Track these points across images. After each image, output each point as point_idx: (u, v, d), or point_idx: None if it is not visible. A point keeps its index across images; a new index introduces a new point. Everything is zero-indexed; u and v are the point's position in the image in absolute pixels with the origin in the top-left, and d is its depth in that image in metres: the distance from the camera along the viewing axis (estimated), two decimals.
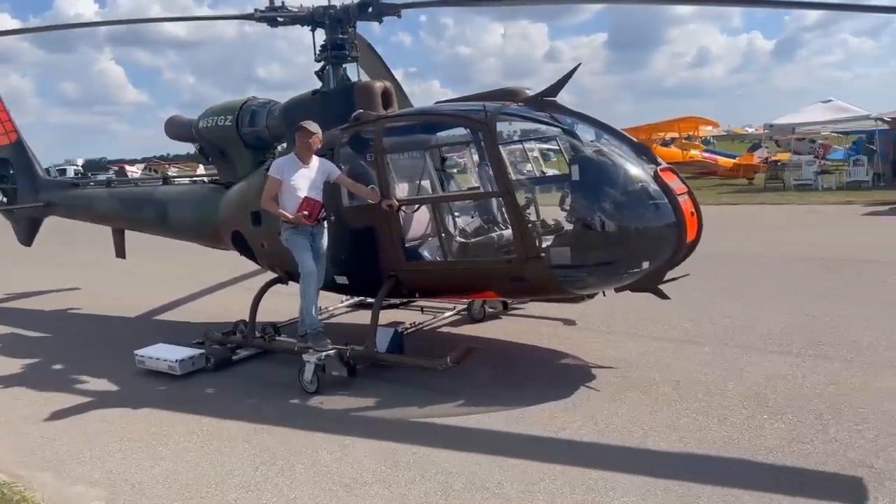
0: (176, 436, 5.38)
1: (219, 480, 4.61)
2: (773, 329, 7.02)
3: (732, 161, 26.67)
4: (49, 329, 9.17)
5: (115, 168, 46.22)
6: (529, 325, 7.66)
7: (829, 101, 24.99)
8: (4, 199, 11.54)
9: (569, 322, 7.58)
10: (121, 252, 10.51)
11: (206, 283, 10.87)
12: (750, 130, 34.39)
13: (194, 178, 10.05)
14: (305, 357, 6.10)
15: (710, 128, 31.96)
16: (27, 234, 11.60)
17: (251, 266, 8.59)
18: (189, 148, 10.09)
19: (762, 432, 4.74)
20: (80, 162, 49.41)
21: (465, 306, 7.99)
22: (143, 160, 58.43)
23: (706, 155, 27.36)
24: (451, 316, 7.97)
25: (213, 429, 5.48)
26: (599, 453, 4.62)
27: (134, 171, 39.51)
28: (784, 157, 25.87)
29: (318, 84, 7.45)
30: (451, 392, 5.80)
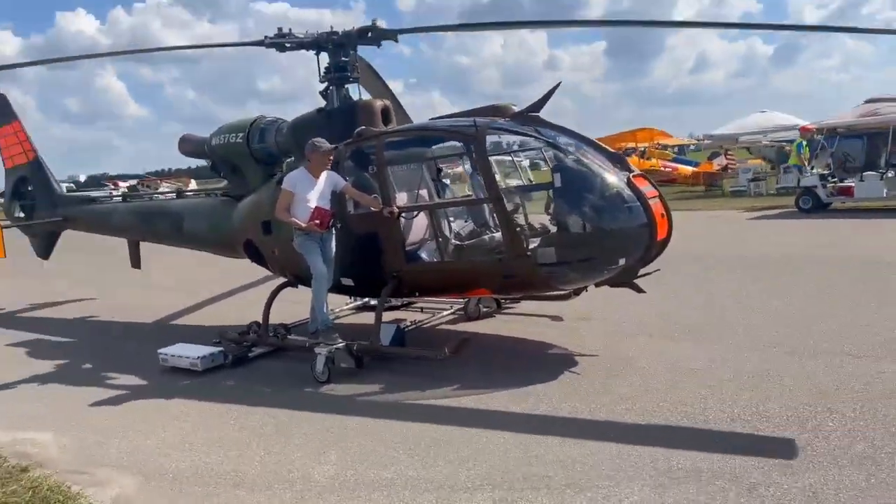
0: (209, 422, 6.00)
1: (255, 458, 5.23)
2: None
3: (691, 169, 28.13)
4: (73, 335, 9.78)
5: (109, 184, 46.83)
6: (521, 321, 8.32)
7: (764, 111, 27.08)
8: (23, 215, 12.17)
9: (556, 318, 8.24)
10: (136, 262, 11.13)
11: (215, 291, 11.47)
12: (697, 140, 35.47)
13: (208, 192, 10.66)
14: (317, 350, 6.74)
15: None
16: (45, 248, 12.21)
17: (261, 273, 9.21)
18: (182, 164, 10.73)
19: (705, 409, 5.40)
20: (82, 178, 49.99)
21: (461, 306, 8.65)
22: (139, 175, 59.73)
23: (667, 164, 28.80)
24: (448, 315, 8.62)
25: (240, 413, 6.10)
26: (583, 426, 5.26)
27: (125, 187, 40.16)
28: (756, 162, 27.25)
29: (322, 102, 8.13)
30: (449, 379, 6.44)
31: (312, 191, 6.83)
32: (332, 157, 6.93)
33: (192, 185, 40.36)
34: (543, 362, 6.83)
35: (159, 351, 7.60)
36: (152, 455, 5.34)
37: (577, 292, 7.45)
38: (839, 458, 4.38)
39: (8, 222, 11.88)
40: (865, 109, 19.63)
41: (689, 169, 28.28)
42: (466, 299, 8.44)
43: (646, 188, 6.39)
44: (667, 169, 28.03)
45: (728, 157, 27.85)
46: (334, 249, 7.03)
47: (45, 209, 11.73)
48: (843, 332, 7.02)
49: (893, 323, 7.23)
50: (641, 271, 6.54)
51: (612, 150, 6.74)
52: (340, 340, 6.79)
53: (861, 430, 4.78)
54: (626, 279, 6.54)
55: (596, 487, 4.28)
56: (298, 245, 6.92)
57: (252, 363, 7.60)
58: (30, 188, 12.00)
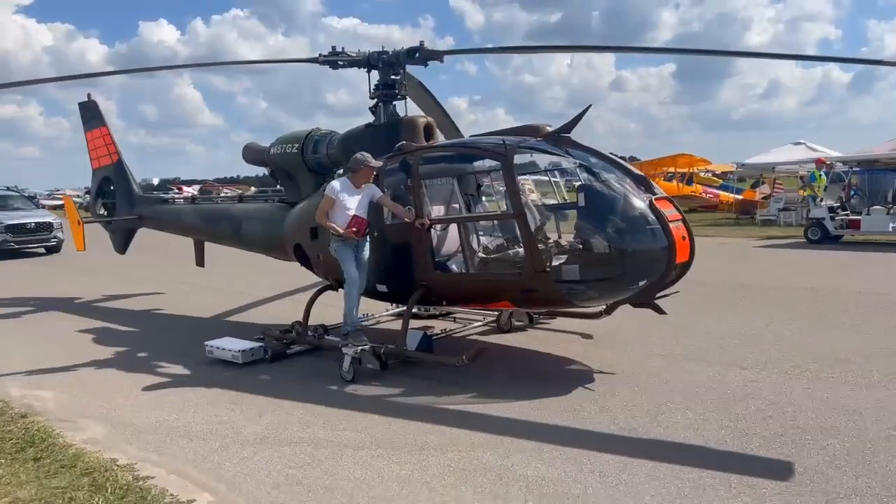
0: (206, 397, 6.62)
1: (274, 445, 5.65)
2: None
3: (734, 197, 28.52)
4: (136, 324, 10.56)
5: (174, 188, 49.39)
6: (550, 336, 8.49)
7: (800, 143, 26.96)
8: (105, 212, 13.17)
9: (586, 336, 8.37)
10: (200, 261, 11.89)
11: (274, 291, 12.11)
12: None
13: (266, 198, 11.29)
14: (344, 350, 7.14)
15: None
16: (122, 243, 13.18)
17: (314, 278, 9.70)
18: (251, 172, 11.36)
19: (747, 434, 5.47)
20: (155, 181, 52.90)
21: (493, 318, 8.91)
22: (214, 181, 63.76)
23: (709, 190, 29.30)
24: (479, 326, 8.89)
25: (239, 397, 6.69)
26: (595, 438, 5.43)
27: (190, 192, 42.13)
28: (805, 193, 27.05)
29: (372, 118, 8.59)
30: (463, 385, 6.73)
31: (352, 200, 7.24)
32: (375, 173, 7.33)
33: (252, 191, 42.43)
34: (558, 376, 7.01)
35: (206, 343, 8.15)
36: (127, 413, 6.48)
37: (608, 311, 7.58)
38: None
39: (89, 217, 12.88)
40: (889, 145, 19.80)
41: (731, 196, 28.55)
42: (499, 312, 8.68)
43: (668, 211, 6.50)
44: (707, 195, 28.48)
45: (777, 186, 27.85)
46: (367, 256, 7.41)
47: (124, 207, 12.65)
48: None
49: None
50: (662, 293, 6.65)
51: (637, 172, 6.88)
52: (367, 343, 7.16)
53: None
54: (645, 300, 6.66)
55: None
56: (334, 250, 7.34)
57: (290, 360, 8.06)
58: (112, 187, 12.97)
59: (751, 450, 5.06)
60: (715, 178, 31.11)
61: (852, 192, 19.98)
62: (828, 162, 20.98)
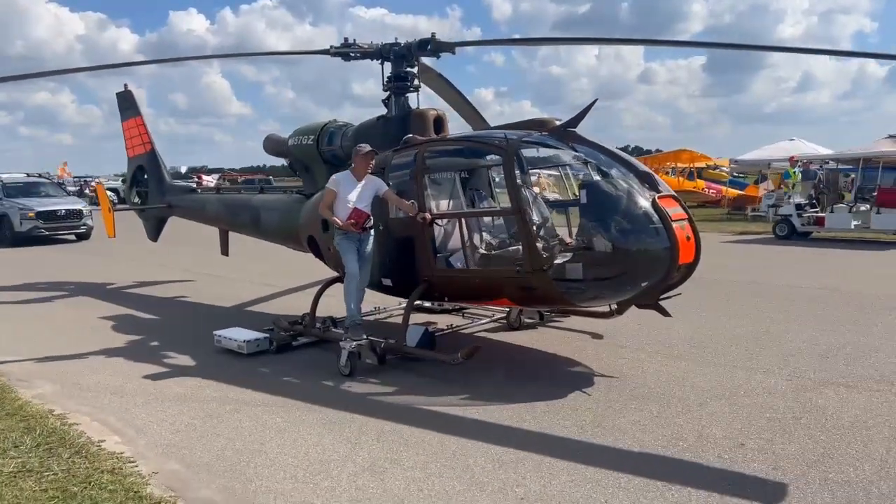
0: (228, 404, 6.52)
1: (255, 442, 5.66)
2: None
3: (737, 192, 28.67)
4: (160, 312, 10.77)
5: (194, 177, 49.80)
6: (559, 335, 8.30)
7: (793, 139, 28.01)
8: (138, 200, 13.47)
9: (596, 336, 8.16)
10: (225, 250, 12.06)
11: (298, 282, 12.18)
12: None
13: (285, 189, 11.34)
14: (342, 344, 7.10)
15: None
16: (154, 231, 13.49)
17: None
18: (276, 161, 11.39)
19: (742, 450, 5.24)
20: (183, 169, 53.60)
21: (503, 315, 8.76)
22: (241, 170, 65.18)
23: (712, 185, 29.53)
24: (487, 322, 8.75)
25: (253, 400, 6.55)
26: (581, 447, 5.27)
27: (210, 181, 42.47)
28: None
29: (384, 110, 8.52)
30: (461, 384, 6.63)
31: (353, 192, 7.18)
32: (371, 160, 7.24)
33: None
34: (557, 377, 6.84)
35: (215, 332, 8.23)
36: (78, 374, 7.35)
37: (619, 311, 7.36)
38: None
39: (122, 205, 13.20)
40: (883, 143, 20.39)
41: (734, 191, 28.69)
42: (508, 309, 8.53)
43: (673, 209, 6.25)
44: (710, 191, 28.84)
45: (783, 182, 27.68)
46: (370, 250, 7.35)
47: (155, 196, 12.92)
48: None
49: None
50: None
51: (643, 169, 6.64)
52: (365, 337, 7.11)
53: None
54: (646, 301, 6.45)
55: None
56: (337, 243, 7.31)
57: (296, 351, 8.07)
58: (145, 176, 13.26)
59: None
60: (724, 174, 30.77)
61: (821, 190, 21.66)
62: (799, 161, 22.10)
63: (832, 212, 18.83)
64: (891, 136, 20.83)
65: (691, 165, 29.41)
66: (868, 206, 18.15)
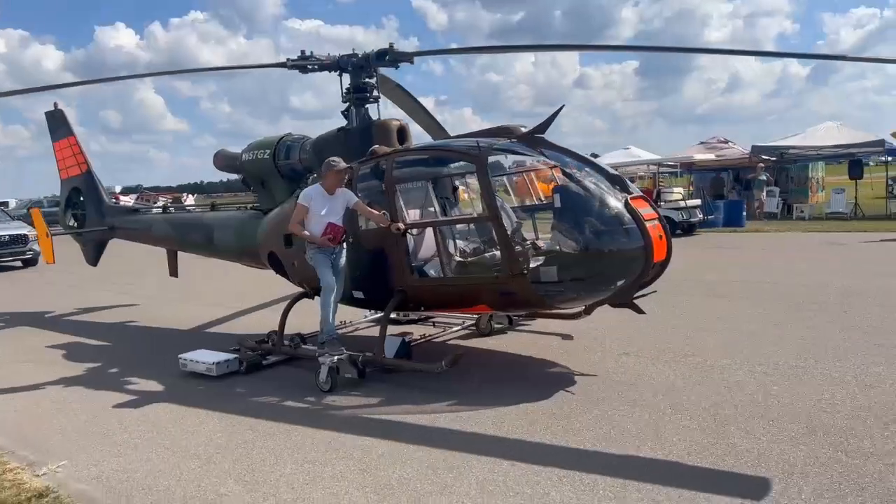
0: (205, 428, 6.30)
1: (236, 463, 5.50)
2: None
3: None
4: (110, 338, 10.31)
5: (111, 198, 47.95)
6: (531, 339, 8.40)
7: (629, 148, 31.49)
8: (75, 224, 12.90)
9: (566, 337, 8.29)
10: (174, 271, 11.68)
11: (253, 301, 11.90)
12: None
13: (238, 206, 11.11)
14: (322, 360, 6.98)
15: None
16: (94, 255, 12.93)
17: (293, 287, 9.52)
18: (215, 177, 11.14)
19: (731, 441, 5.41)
20: (118, 189, 51.65)
21: (473, 321, 8.80)
22: (178, 187, 63.41)
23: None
24: (459, 330, 8.78)
25: (238, 423, 6.32)
26: (566, 450, 5.34)
27: (128, 200, 41.20)
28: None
29: (344, 121, 8.45)
30: (443, 392, 6.59)
31: (326, 207, 7.09)
32: (346, 176, 7.19)
33: (190, 199, 43.02)
34: (539, 379, 6.92)
35: (180, 356, 7.96)
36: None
37: (587, 311, 7.51)
38: None
39: (60, 230, 12.62)
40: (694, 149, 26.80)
41: None
42: (478, 315, 8.58)
43: (644, 210, 6.43)
44: None
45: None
46: (344, 263, 7.27)
47: (94, 219, 12.40)
48: None
49: None
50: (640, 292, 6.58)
51: (613, 172, 6.80)
52: (344, 351, 7.02)
53: None
54: (622, 300, 6.59)
55: None
56: (310, 258, 7.20)
57: (266, 371, 7.89)
58: (82, 198, 12.72)
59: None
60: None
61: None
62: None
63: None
64: (702, 143, 26.04)
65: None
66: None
